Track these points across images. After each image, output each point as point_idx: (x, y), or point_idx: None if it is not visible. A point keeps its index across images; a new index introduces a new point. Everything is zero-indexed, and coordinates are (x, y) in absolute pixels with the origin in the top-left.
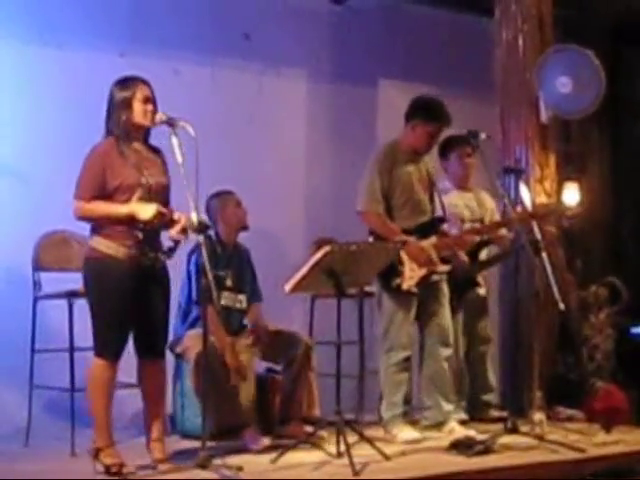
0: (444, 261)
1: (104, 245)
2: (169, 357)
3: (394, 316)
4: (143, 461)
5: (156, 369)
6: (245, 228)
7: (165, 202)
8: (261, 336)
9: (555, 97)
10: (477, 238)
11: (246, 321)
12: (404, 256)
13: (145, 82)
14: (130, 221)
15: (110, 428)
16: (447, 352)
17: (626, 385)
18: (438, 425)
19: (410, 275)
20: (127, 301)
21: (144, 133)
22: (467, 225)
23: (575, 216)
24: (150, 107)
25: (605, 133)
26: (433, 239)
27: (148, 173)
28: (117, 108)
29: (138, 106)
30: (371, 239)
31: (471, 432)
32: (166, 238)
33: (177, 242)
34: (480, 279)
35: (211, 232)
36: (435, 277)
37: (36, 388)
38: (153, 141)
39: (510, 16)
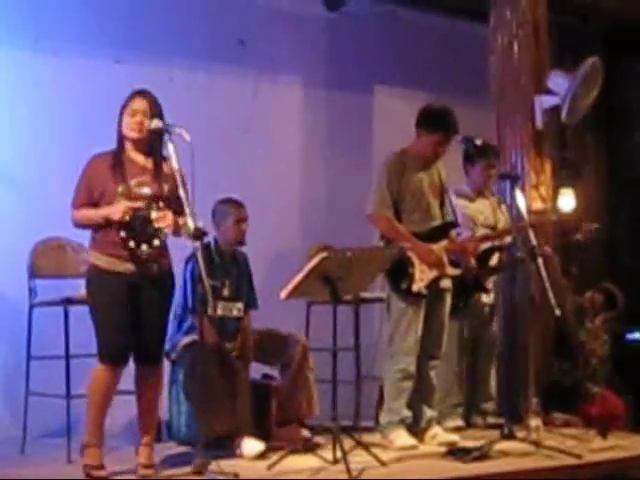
0: (454, 265)
1: (97, 258)
2: (165, 364)
3: (402, 318)
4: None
5: (153, 375)
6: (242, 244)
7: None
8: (245, 342)
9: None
10: (487, 244)
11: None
12: (414, 258)
13: (143, 94)
14: (114, 229)
15: (102, 429)
16: (435, 362)
17: (622, 390)
18: (421, 431)
19: (420, 277)
20: (121, 311)
21: (145, 144)
22: (479, 230)
23: (590, 232)
24: (139, 119)
25: (600, 139)
26: (444, 242)
27: (137, 182)
28: (118, 119)
29: (126, 118)
30: (381, 243)
31: (454, 437)
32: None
33: (160, 229)
34: (490, 285)
35: (210, 239)
36: (443, 284)
37: (32, 395)
38: None
39: (505, 22)
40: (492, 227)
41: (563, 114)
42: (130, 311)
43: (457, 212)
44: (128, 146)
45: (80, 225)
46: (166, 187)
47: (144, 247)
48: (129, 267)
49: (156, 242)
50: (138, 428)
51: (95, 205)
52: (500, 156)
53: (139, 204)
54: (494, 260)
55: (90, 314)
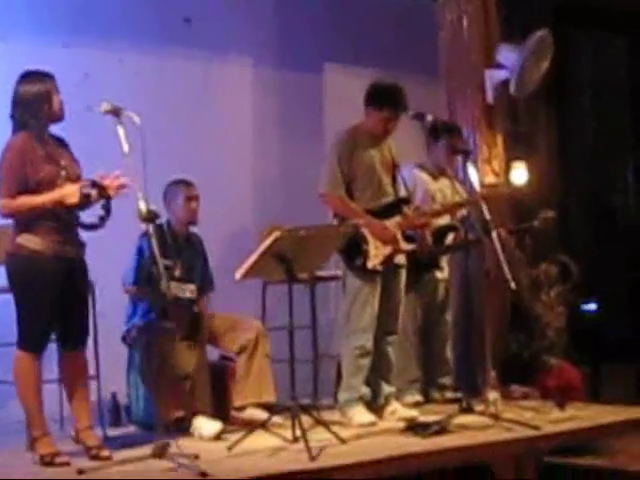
0: (408, 240)
1: (32, 242)
2: (123, 348)
3: (358, 295)
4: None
5: (79, 359)
6: (193, 223)
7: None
8: (201, 324)
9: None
10: (442, 220)
11: (196, 310)
12: (368, 235)
13: (46, 74)
14: (54, 212)
15: (43, 417)
16: (392, 338)
17: (579, 362)
18: (380, 407)
19: (375, 253)
20: (55, 295)
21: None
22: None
23: (547, 221)
24: (60, 99)
25: (551, 112)
26: (397, 219)
27: (64, 164)
28: (35, 101)
29: (56, 98)
30: (335, 221)
31: (414, 412)
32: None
33: (108, 211)
34: (443, 263)
35: (162, 220)
36: (398, 259)
37: None
38: (101, 131)
39: None
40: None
41: (512, 87)
42: (61, 295)
43: (418, 187)
44: (46, 129)
45: (16, 213)
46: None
47: (74, 245)
48: (67, 249)
49: (100, 220)
50: (73, 414)
51: (31, 192)
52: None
53: (85, 183)
54: (449, 239)
55: (17, 299)
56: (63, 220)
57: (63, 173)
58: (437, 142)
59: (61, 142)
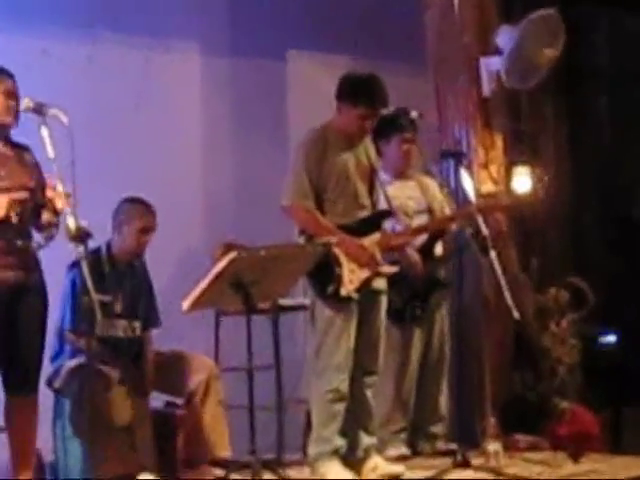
0: (391, 262)
1: None
2: (48, 393)
3: (330, 328)
4: None
5: (28, 405)
6: (139, 256)
7: (36, 205)
8: (144, 367)
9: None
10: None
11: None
12: (342, 256)
13: (7, 74)
14: None
15: None
16: (372, 379)
17: (596, 405)
18: (358, 462)
19: (350, 278)
20: (3, 327)
21: (5, 131)
22: (415, 219)
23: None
24: (12, 103)
25: (560, 106)
26: (376, 236)
27: (6, 172)
28: None
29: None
30: (301, 239)
31: (399, 468)
32: None
33: (51, 225)
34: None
35: (100, 244)
36: (378, 284)
37: None
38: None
39: None
40: (428, 211)
41: (504, 76)
42: (4, 327)
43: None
44: None
45: None
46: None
47: (35, 244)
48: (9, 274)
49: (48, 236)
50: (12, 469)
51: None
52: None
53: (23, 194)
54: (439, 249)
55: None
56: (9, 238)
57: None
58: (389, 141)
59: (22, 150)
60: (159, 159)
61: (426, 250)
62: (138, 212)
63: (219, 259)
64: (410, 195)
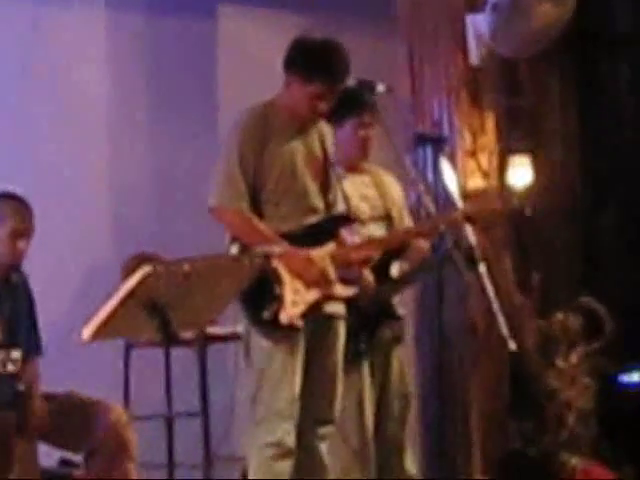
0: (346, 282)
1: None
2: None
3: (270, 363)
4: None
5: None
6: (15, 267)
7: None
8: (35, 411)
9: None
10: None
11: (21, 388)
12: (284, 271)
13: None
14: None
15: None
16: (326, 429)
17: (614, 461)
18: None
19: (293, 300)
20: None
21: None
22: (369, 227)
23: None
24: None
25: (569, 80)
26: (330, 247)
27: None
28: None
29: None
30: (234, 249)
31: None
32: None
33: None
34: (399, 308)
35: None
36: (332, 308)
37: None
38: None
39: None
40: (384, 218)
41: (490, 37)
42: None
43: None
44: None
45: None
46: None
47: None
48: None
49: None
50: None
51: None
52: (413, 110)
53: None
54: (395, 269)
55: None
56: None
57: None
58: (342, 124)
59: None
60: (53, 144)
61: (379, 270)
62: (8, 211)
63: (130, 274)
64: (364, 194)
